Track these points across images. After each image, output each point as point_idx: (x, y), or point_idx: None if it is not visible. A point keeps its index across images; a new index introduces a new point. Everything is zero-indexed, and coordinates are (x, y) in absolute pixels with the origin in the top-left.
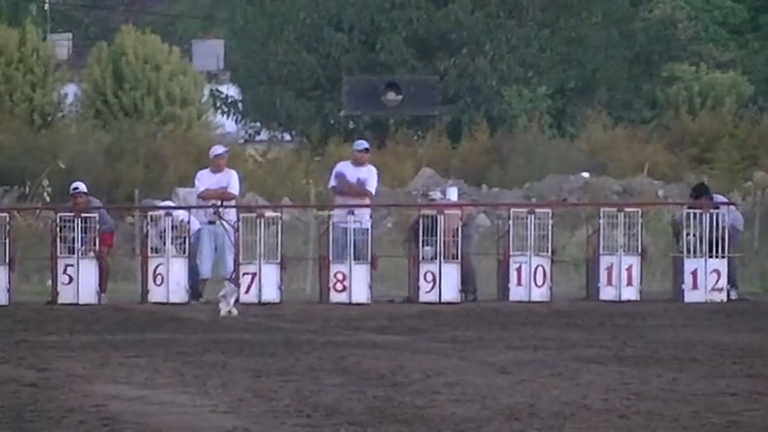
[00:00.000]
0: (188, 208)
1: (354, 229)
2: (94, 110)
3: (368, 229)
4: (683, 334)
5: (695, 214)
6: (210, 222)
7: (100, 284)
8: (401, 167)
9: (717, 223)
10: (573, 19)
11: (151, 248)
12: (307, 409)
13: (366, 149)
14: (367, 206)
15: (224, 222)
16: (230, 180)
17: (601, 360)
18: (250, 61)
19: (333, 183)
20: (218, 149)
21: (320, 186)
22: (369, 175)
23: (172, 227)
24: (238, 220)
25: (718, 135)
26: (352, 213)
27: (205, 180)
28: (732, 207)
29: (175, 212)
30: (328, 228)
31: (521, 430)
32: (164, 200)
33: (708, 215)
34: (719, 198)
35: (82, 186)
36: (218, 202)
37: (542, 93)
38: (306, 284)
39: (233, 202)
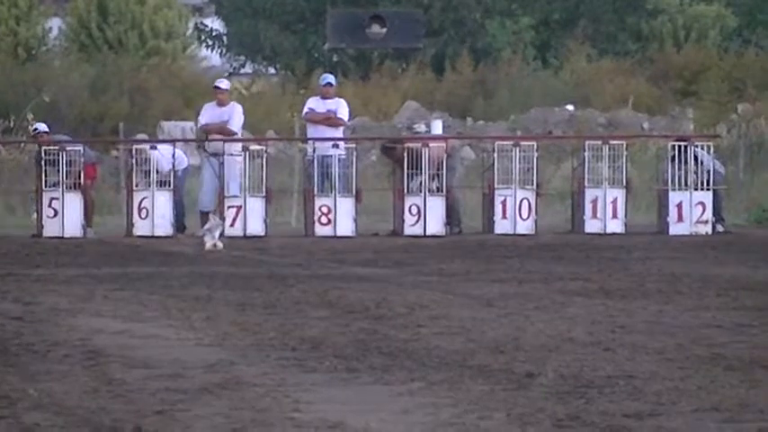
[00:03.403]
0: (162, 141)
1: (329, 159)
2: (79, 43)
3: (345, 158)
4: (668, 267)
5: (680, 147)
6: (214, 155)
7: (85, 218)
8: (385, 100)
9: (699, 160)
10: None
11: (136, 184)
12: (292, 343)
13: (330, 83)
14: (354, 139)
15: (210, 157)
16: (232, 114)
17: (586, 293)
18: None
19: (305, 111)
20: (216, 82)
21: None
22: (338, 106)
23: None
24: (223, 153)
25: (702, 68)
26: (337, 147)
27: (207, 113)
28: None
29: (153, 155)
30: (314, 161)
31: (505, 363)
32: (151, 147)
33: (692, 148)
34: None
35: (42, 126)
36: (204, 137)
37: (526, 23)
38: (291, 218)
39: (225, 136)
